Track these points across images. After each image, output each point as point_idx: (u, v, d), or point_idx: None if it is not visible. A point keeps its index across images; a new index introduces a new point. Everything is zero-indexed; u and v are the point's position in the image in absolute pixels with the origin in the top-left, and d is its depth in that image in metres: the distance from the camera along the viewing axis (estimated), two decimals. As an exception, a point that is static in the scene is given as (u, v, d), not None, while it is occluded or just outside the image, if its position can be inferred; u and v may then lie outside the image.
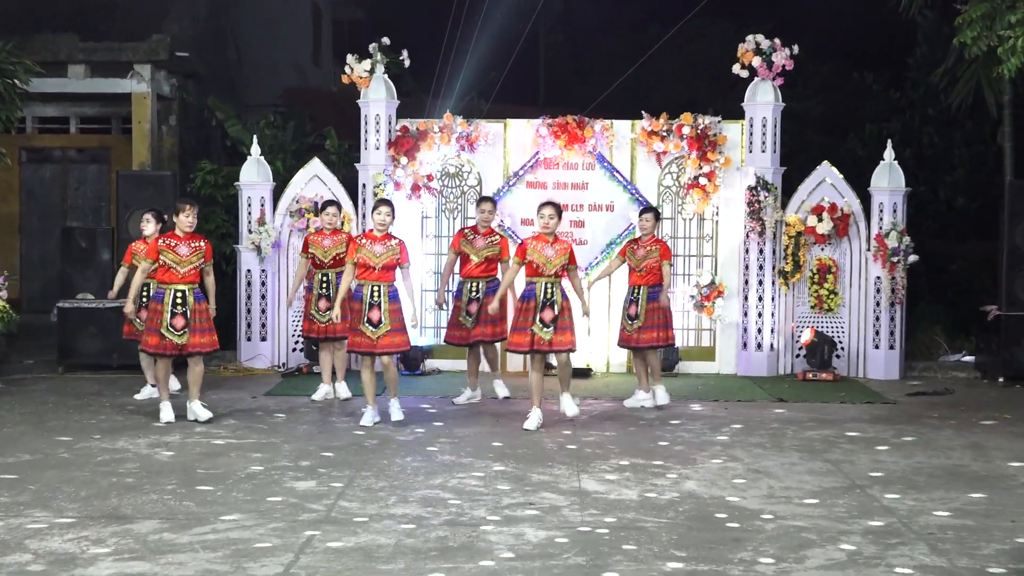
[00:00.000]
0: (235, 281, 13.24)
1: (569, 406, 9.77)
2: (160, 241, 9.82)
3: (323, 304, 10.85)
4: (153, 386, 10.88)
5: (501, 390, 10.92)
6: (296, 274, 11.28)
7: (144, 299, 10.58)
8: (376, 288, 9.60)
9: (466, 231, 10.94)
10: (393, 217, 9.83)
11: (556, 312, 9.56)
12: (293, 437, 9.31)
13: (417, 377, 12.31)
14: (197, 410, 9.86)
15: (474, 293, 10.74)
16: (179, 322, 9.71)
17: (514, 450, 8.83)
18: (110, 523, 6.72)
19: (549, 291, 9.59)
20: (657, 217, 10.91)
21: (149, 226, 10.84)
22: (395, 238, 9.81)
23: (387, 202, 9.95)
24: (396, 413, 9.77)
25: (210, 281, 10.03)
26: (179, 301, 9.74)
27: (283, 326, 13.05)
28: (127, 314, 10.64)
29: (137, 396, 11.00)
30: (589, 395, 11.37)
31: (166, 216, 10.90)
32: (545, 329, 9.55)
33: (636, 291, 10.65)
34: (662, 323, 10.65)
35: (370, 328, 9.56)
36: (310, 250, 10.98)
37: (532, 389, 9.69)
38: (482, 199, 11.21)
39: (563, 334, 9.61)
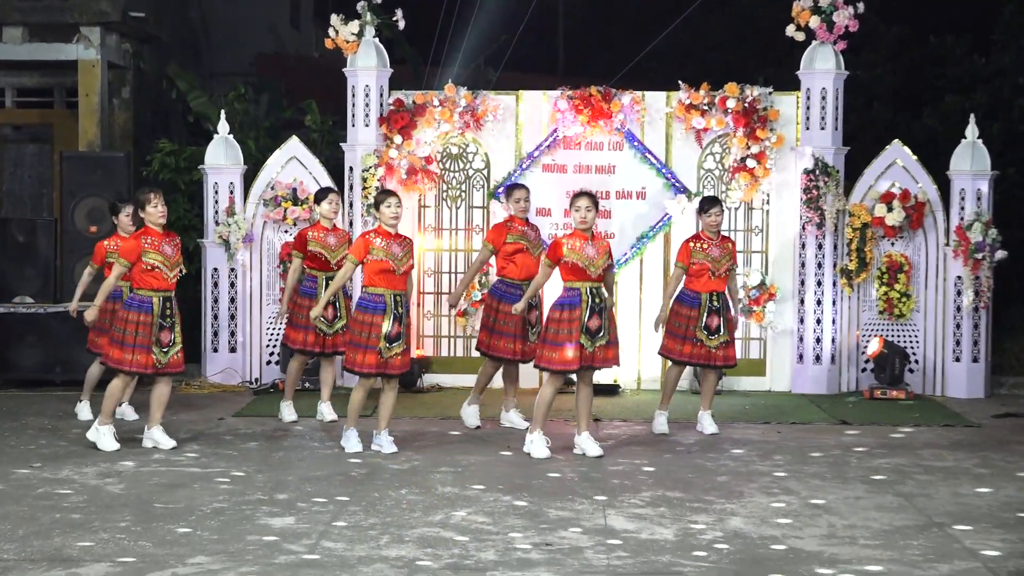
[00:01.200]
0: (199, 282, 13.25)
1: (590, 447, 9.72)
2: (143, 240, 9.64)
3: (330, 313, 10.78)
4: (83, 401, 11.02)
5: (519, 420, 10.83)
6: (290, 279, 11.01)
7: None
8: (398, 297, 9.58)
9: (510, 224, 10.75)
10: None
11: (603, 321, 9.58)
12: (268, 465, 9.33)
13: (414, 394, 12.32)
14: (158, 437, 9.87)
15: (534, 299, 10.65)
16: (166, 336, 9.65)
17: (528, 481, 8.84)
18: (53, 566, 6.73)
19: (596, 297, 9.61)
20: (723, 209, 10.88)
21: (128, 220, 10.81)
22: (405, 236, 9.85)
23: (394, 192, 9.95)
24: (389, 446, 9.77)
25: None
26: (168, 312, 9.71)
27: (255, 335, 13.07)
28: (89, 323, 10.37)
29: (81, 417, 11.00)
30: (617, 416, 11.38)
31: (121, 207, 10.94)
32: (590, 340, 9.56)
33: (717, 298, 10.56)
34: (733, 338, 10.75)
35: (384, 344, 9.53)
36: (311, 248, 10.87)
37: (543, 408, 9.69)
38: (516, 186, 11.00)
39: (610, 349, 9.65)
